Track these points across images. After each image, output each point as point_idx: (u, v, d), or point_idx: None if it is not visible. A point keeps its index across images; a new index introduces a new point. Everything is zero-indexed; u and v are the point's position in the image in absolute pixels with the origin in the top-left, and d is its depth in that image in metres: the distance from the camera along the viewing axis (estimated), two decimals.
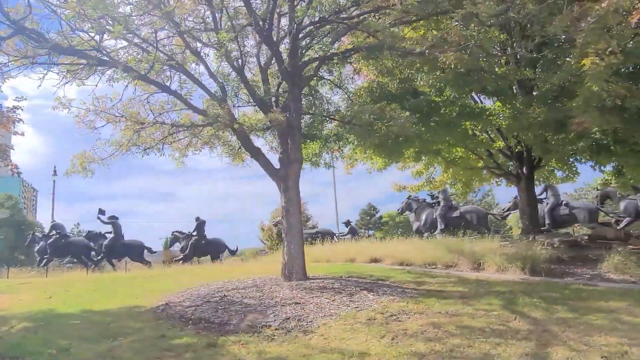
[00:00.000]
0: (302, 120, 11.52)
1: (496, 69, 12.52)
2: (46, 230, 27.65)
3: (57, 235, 23.94)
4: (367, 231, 46.14)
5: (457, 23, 10.81)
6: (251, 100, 11.53)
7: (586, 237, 15.01)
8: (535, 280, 10.33)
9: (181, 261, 24.52)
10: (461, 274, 11.60)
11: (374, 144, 11.96)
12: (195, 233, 25.60)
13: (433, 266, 13.11)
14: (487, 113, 13.60)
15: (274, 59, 11.76)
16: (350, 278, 10.89)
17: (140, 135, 11.95)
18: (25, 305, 10.45)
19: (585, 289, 9.07)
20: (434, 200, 24.71)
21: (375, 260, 14.95)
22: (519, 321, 7.07)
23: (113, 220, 24.52)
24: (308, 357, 6.14)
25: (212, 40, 11.33)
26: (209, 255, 25.52)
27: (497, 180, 17.32)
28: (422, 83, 13.75)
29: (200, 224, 25.85)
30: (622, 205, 21.48)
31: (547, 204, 21.77)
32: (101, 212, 24.91)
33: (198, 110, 10.78)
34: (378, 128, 10.41)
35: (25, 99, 11.33)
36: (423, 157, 16.05)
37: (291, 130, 10.54)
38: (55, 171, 36.22)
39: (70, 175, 11.77)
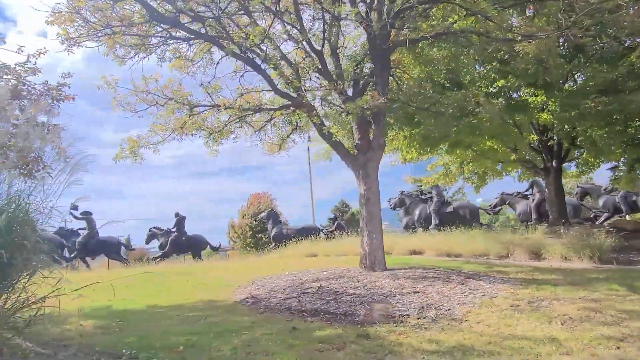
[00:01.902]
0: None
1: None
2: None
3: None
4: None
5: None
6: (324, 85, 10.86)
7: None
8: (613, 267, 10.50)
9: (159, 258, 23.28)
10: (529, 264, 11.58)
11: (454, 133, 11.70)
12: (174, 229, 24.49)
13: (486, 257, 13.07)
14: (531, 106, 13.74)
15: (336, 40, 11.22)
16: (428, 269, 10.53)
17: (195, 120, 11.05)
18: (63, 304, 9.24)
19: None
20: (427, 196, 25.16)
21: (415, 252, 14.74)
22: None
23: (87, 216, 22.74)
24: (496, 345, 5.72)
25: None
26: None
27: (528, 172, 17.52)
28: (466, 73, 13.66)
29: (180, 220, 24.69)
30: (600, 201, 22.75)
31: (534, 199, 22.74)
32: (74, 207, 23.00)
33: (283, 94, 10.06)
34: (461, 116, 10.14)
35: (71, 75, 10.10)
36: (457, 150, 15.95)
37: (377, 116, 10.03)
38: None
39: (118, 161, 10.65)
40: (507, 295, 7.82)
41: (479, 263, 11.99)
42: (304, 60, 11.05)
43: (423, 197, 25.30)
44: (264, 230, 40.41)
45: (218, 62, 10.54)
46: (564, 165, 18.25)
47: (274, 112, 11.30)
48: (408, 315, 7.11)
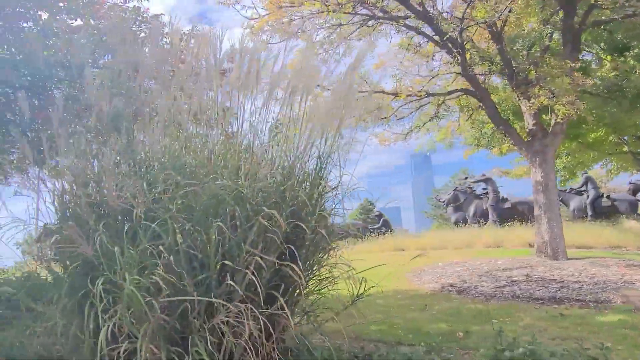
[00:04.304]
0: None
1: None
2: None
3: None
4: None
5: None
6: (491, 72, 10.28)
7: None
8: None
9: None
10: None
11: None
12: None
13: (624, 248, 12.59)
14: None
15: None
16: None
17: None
18: None
19: None
20: (483, 192, 24.80)
21: (532, 245, 14.18)
22: None
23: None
24: None
25: None
26: None
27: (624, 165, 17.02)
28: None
29: None
30: None
31: (588, 196, 22.36)
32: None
33: (470, 77, 9.50)
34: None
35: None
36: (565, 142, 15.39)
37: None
38: None
39: None
40: None
41: (634, 253, 11.46)
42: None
43: (476, 193, 25.20)
44: None
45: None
46: None
47: (444, 98, 10.77)
48: None
